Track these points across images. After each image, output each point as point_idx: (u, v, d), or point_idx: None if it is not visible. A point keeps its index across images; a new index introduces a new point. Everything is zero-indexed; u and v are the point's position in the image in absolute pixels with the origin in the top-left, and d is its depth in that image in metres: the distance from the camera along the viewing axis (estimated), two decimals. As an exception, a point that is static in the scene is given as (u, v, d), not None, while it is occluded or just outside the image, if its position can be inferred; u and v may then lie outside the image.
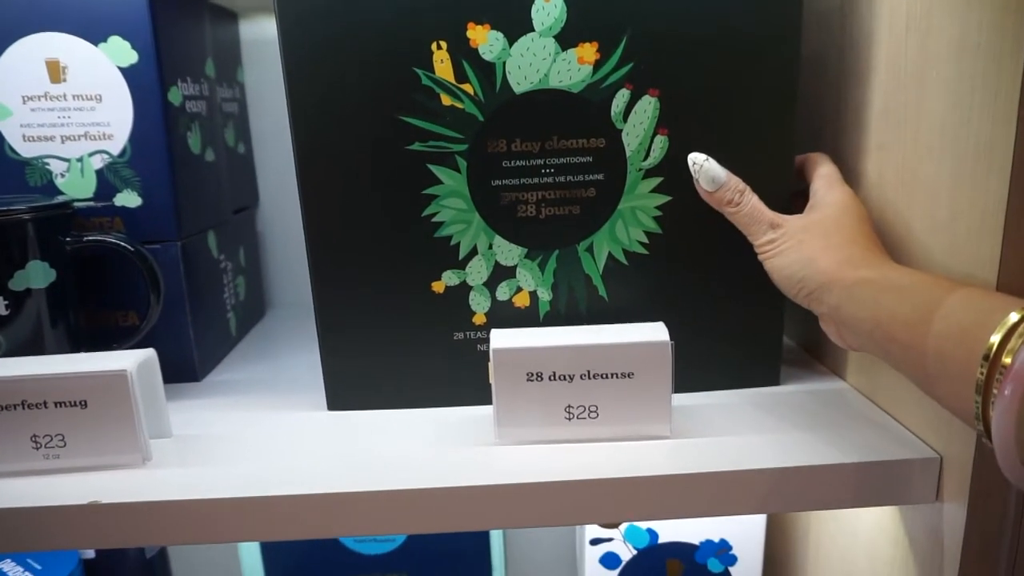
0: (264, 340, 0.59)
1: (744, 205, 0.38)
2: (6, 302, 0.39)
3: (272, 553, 0.61)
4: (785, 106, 0.39)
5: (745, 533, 0.52)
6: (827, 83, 0.46)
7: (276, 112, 0.64)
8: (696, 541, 0.52)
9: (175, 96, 0.46)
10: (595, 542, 0.53)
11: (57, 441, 0.37)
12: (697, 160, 0.38)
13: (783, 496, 0.36)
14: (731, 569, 0.52)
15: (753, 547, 0.52)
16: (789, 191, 0.40)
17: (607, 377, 0.37)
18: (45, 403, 0.36)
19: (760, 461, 0.36)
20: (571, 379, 0.37)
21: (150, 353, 0.39)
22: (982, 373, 0.25)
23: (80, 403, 0.36)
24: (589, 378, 0.37)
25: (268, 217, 0.66)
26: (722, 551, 0.52)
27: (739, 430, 0.39)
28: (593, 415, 0.38)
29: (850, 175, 0.43)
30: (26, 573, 0.49)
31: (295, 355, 0.54)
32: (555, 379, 0.37)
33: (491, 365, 0.37)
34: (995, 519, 0.33)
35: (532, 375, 0.37)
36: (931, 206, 0.35)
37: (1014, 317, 0.25)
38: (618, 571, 0.53)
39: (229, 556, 0.65)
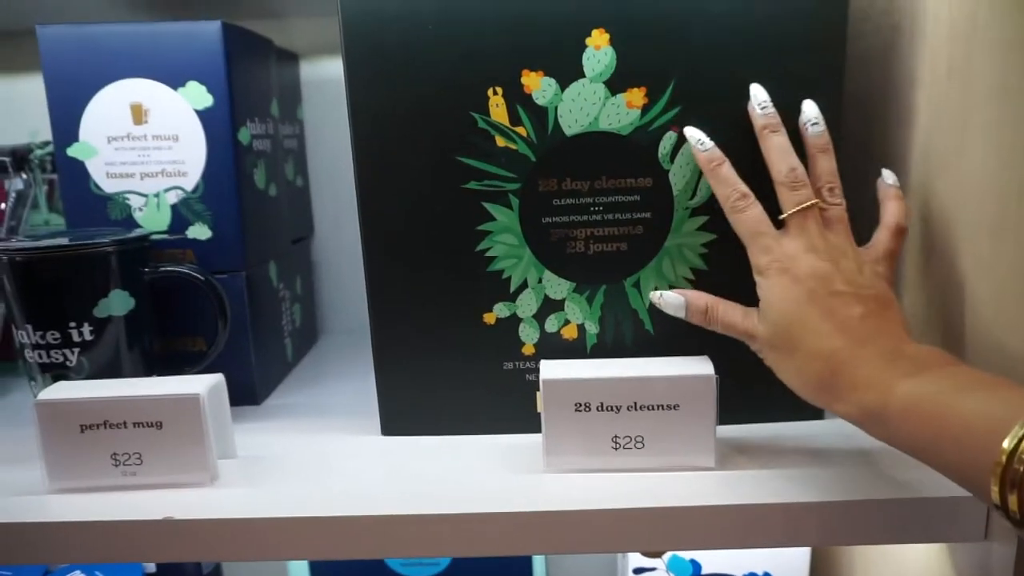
0: (318, 366, 0.61)
1: (715, 324, 0.39)
2: (90, 328, 0.42)
3: (320, 570, 0.63)
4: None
5: (789, 567, 0.52)
6: (871, 124, 0.47)
7: (332, 147, 0.67)
8: (740, 574, 0.52)
9: (244, 136, 0.49)
10: (638, 571, 0.53)
11: (135, 459, 0.39)
12: (653, 298, 0.40)
13: (827, 530, 0.37)
14: (774, 602, 0.53)
15: (797, 581, 0.52)
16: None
17: (653, 409, 0.38)
18: (125, 423, 0.39)
19: (804, 495, 0.36)
20: (618, 410, 0.38)
21: (219, 378, 0.41)
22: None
23: (156, 424, 0.39)
24: (635, 409, 0.38)
25: (322, 247, 0.69)
26: (766, 584, 0.52)
27: (783, 463, 0.39)
28: (639, 445, 0.39)
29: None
30: (94, 584, 0.51)
31: (348, 381, 0.56)
32: (602, 410, 0.38)
33: (540, 395, 0.39)
34: (1044, 558, 0.34)
35: (580, 405, 0.38)
36: (975, 248, 0.36)
37: None
38: (661, 601, 0.53)
39: (278, 572, 0.67)
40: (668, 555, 0.52)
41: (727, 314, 0.39)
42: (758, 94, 0.38)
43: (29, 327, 0.41)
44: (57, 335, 0.42)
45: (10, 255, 0.41)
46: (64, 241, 0.42)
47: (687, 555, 0.52)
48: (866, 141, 0.47)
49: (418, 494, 0.38)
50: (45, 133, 0.65)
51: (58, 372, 0.42)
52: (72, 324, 0.42)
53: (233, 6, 0.63)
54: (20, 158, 0.59)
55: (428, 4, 0.39)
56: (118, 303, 0.43)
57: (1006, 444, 0.25)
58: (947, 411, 0.28)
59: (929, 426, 0.28)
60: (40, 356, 0.42)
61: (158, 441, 0.39)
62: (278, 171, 0.57)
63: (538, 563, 0.62)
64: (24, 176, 0.59)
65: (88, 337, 0.42)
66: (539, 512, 0.36)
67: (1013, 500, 0.24)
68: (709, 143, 0.38)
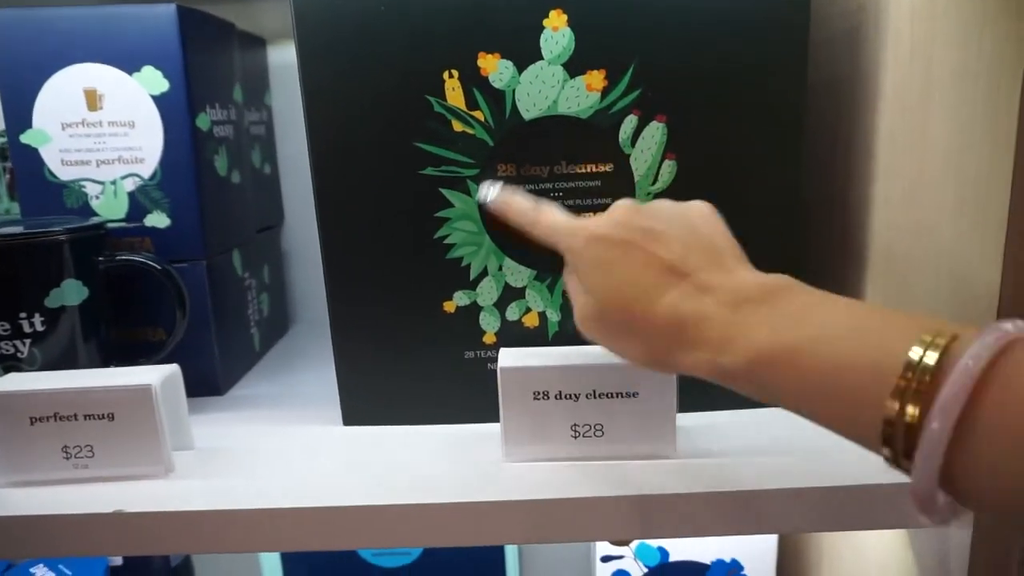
0: (287, 355, 0.60)
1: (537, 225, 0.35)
2: (42, 319, 0.41)
3: (292, 564, 0.63)
4: (793, 131, 0.40)
5: (757, 554, 0.52)
6: (838, 108, 0.46)
7: (302, 134, 0.66)
8: (707, 561, 0.52)
9: (203, 122, 0.48)
10: (606, 559, 0.53)
11: (86, 452, 0.39)
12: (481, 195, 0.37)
13: (788, 517, 0.36)
14: (742, 590, 0.53)
15: (765, 568, 0.52)
16: (800, 215, 0.41)
17: (612, 397, 0.38)
18: (76, 415, 0.38)
19: (765, 482, 0.36)
20: (576, 398, 0.38)
21: (174, 368, 0.40)
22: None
23: (108, 416, 0.38)
24: (594, 397, 0.38)
25: (292, 235, 0.68)
26: (733, 571, 0.52)
27: (744, 450, 0.39)
28: (599, 433, 0.38)
29: (861, 197, 0.44)
30: (56, 578, 0.51)
31: (316, 370, 0.55)
32: (561, 398, 0.38)
33: (499, 384, 0.38)
34: (1000, 543, 0.33)
35: (538, 394, 0.38)
36: (937, 229, 0.36)
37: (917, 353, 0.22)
38: (629, 589, 0.53)
39: (250, 565, 0.67)
40: (636, 543, 0.52)
41: (552, 214, 0.34)
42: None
43: (-21, 318, 0.41)
44: (7, 326, 0.41)
45: (-44, 245, 0.40)
46: (15, 230, 0.41)
47: (655, 543, 0.52)
48: (834, 125, 0.47)
49: (376, 484, 0.38)
50: (3, 122, 0.64)
51: (9, 364, 0.41)
52: (23, 315, 0.41)
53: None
54: (-21, 146, 0.58)
55: (382, -15, 0.38)
56: (71, 293, 0.42)
57: (912, 355, 0.22)
58: (825, 363, 0.25)
59: (808, 380, 0.25)
60: (-10, 347, 0.41)
61: (110, 433, 0.38)
62: (242, 158, 0.56)
63: (511, 552, 0.62)
64: (-18, 164, 0.57)
65: (40, 328, 0.41)
66: (498, 502, 0.36)
67: (912, 411, 0.22)
68: (495, 193, 0.36)
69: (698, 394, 0.41)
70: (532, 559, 0.68)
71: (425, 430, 0.43)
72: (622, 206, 0.32)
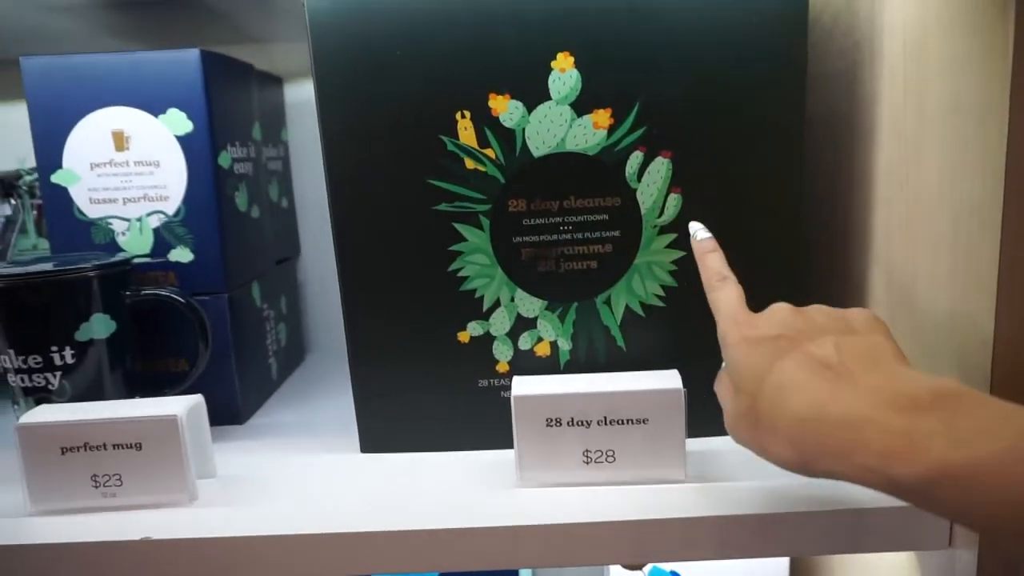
0: (304, 384, 0.62)
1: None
2: (72, 352, 0.43)
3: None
4: (794, 163, 0.41)
5: (767, 577, 0.52)
6: (837, 142, 0.48)
7: (317, 168, 0.68)
8: (719, 585, 0.53)
9: (224, 160, 0.50)
10: (619, 584, 0.54)
11: (115, 480, 0.40)
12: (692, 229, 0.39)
13: (796, 540, 0.37)
14: (754, 614, 0.53)
15: (776, 593, 0.52)
16: (801, 246, 0.42)
17: (623, 423, 0.39)
18: (104, 445, 0.39)
19: (774, 506, 0.37)
20: (588, 424, 0.39)
21: (198, 399, 0.42)
22: None
23: (135, 445, 0.39)
24: (606, 424, 0.39)
25: (308, 266, 0.70)
26: (745, 596, 0.53)
27: (754, 475, 0.40)
28: (610, 459, 0.39)
29: (860, 229, 0.45)
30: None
31: (332, 398, 0.57)
32: (573, 424, 0.39)
33: (513, 411, 0.39)
34: (1005, 567, 0.34)
35: (551, 420, 0.39)
36: (933, 260, 0.37)
37: None
38: (642, 613, 0.54)
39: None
40: (649, 566, 0.53)
41: (726, 292, 0.35)
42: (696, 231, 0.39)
43: (12, 352, 0.42)
44: (39, 359, 0.42)
45: (-10, 281, 0.42)
46: (46, 267, 0.43)
47: (667, 566, 0.53)
48: (833, 159, 0.48)
49: (394, 510, 0.39)
50: (33, 159, 0.66)
51: (40, 395, 0.43)
52: (54, 348, 0.43)
53: (215, 33, 0.64)
54: (8, 184, 0.60)
55: (396, 29, 0.40)
56: (100, 326, 0.44)
57: None
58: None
59: (1005, 498, 0.23)
60: (23, 380, 0.43)
61: (137, 462, 0.40)
62: (261, 193, 0.58)
63: (524, 574, 0.62)
64: (12, 202, 0.60)
65: (70, 360, 0.43)
66: (512, 527, 0.37)
67: None
68: (705, 234, 0.38)
69: (707, 420, 0.42)
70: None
71: (440, 457, 0.44)
72: (779, 308, 0.32)
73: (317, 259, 0.70)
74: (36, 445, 0.39)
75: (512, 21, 0.39)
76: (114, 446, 0.40)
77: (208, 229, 0.49)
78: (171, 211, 0.49)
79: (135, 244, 0.49)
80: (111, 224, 0.49)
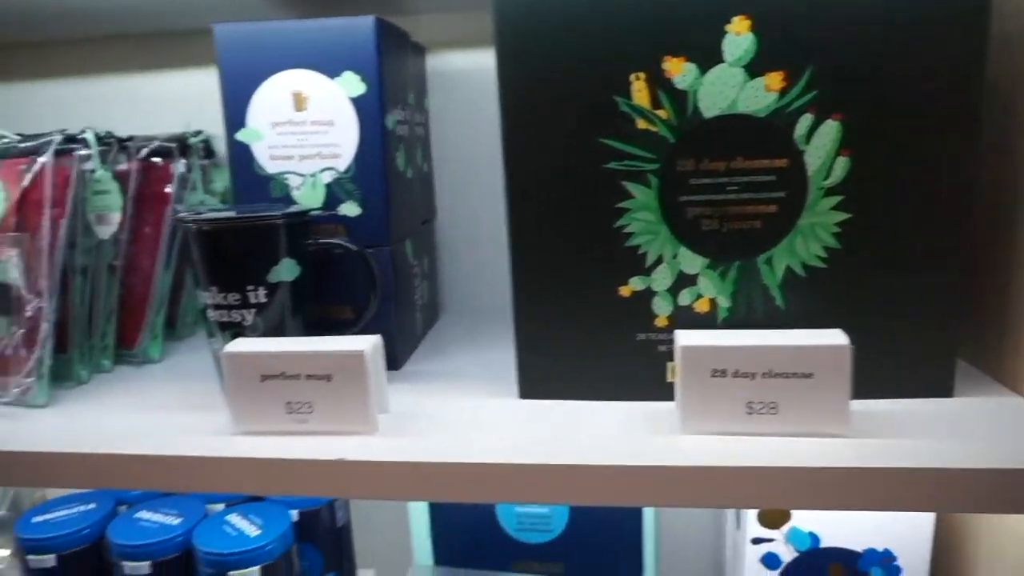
0: (443, 339, 0.65)
1: None
2: (265, 291, 0.47)
3: (440, 534, 0.67)
4: (970, 128, 0.41)
5: (912, 544, 0.52)
6: (1014, 109, 0.47)
7: (451, 136, 0.71)
8: (860, 549, 0.54)
9: (390, 121, 0.54)
10: (756, 541, 0.55)
11: (306, 408, 0.44)
12: None
13: (959, 497, 0.38)
14: (893, 579, 0.54)
15: (919, 559, 0.52)
16: (975, 211, 0.42)
17: (787, 376, 0.40)
18: (299, 375, 0.43)
19: (935, 461, 0.38)
20: (753, 376, 0.41)
21: (378, 339, 0.45)
22: None
23: (326, 377, 0.43)
24: (770, 376, 0.40)
25: (442, 229, 0.73)
26: (887, 560, 0.53)
27: (914, 433, 0.41)
28: (773, 411, 0.41)
29: (1029, 195, 0.44)
30: (251, 525, 0.57)
31: (474, 353, 0.60)
32: (738, 376, 0.41)
33: (678, 361, 0.41)
34: None
35: (717, 371, 0.41)
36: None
37: None
38: (779, 571, 0.55)
39: (402, 534, 0.72)
40: (788, 527, 0.54)
41: None
42: None
43: (214, 289, 0.47)
44: (238, 296, 0.47)
45: (199, 225, 0.46)
46: (245, 213, 0.47)
47: (807, 527, 0.54)
48: (1007, 127, 0.48)
49: (560, 445, 0.41)
50: (196, 124, 0.72)
51: (236, 330, 0.47)
52: (250, 287, 0.47)
53: (367, 2, 0.67)
54: (184, 145, 0.65)
55: (578, 0, 0.42)
56: (287, 270, 0.48)
57: None
58: None
59: None
60: (221, 315, 0.47)
61: (327, 392, 0.43)
62: (413, 156, 0.61)
63: (648, 534, 0.64)
64: (185, 161, 0.65)
65: (262, 299, 0.47)
66: (678, 467, 0.39)
67: None
68: None
69: (865, 382, 0.43)
70: (668, 540, 0.71)
71: (596, 405, 0.47)
72: None
73: (450, 224, 0.73)
74: (240, 372, 0.44)
75: (692, -15, 0.41)
76: (307, 376, 0.43)
77: (375, 186, 0.53)
78: (342, 168, 0.53)
79: (309, 198, 0.53)
80: (287, 179, 0.54)
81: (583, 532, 0.65)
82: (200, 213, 0.48)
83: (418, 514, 0.68)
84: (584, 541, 0.65)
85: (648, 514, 0.64)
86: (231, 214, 0.48)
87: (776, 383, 0.40)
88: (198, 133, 0.70)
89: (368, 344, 0.44)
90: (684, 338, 0.41)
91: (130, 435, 0.46)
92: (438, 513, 0.67)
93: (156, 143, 0.63)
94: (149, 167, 0.62)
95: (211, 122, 0.70)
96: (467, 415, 0.47)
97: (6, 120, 0.80)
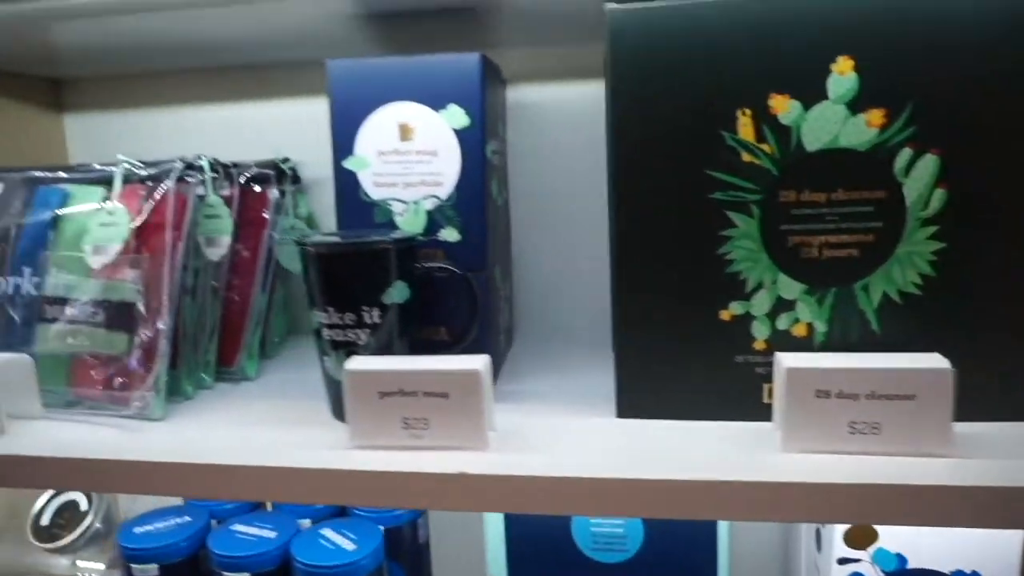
0: (522, 362, 0.67)
1: None
2: (379, 312, 0.50)
3: (516, 552, 0.69)
4: (1060, 164, 0.43)
5: (1000, 568, 0.53)
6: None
7: (524, 166, 0.74)
8: (947, 571, 0.55)
9: (488, 151, 0.57)
10: (843, 561, 0.56)
11: (422, 423, 0.46)
12: None
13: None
14: (980, 601, 0.54)
15: (1005, 580, 0.54)
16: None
17: (890, 398, 0.42)
18: (416, 392, 0.46)
19: (1042, 483, 0.39)
20: (856, 398, 0.42)
21: (487, 359, 0.48)
22: None
23: (443, 394, 0.46)
24: (874, 398, 0.42)
25: (515, 257, 0.76)
26: (973, 581, 0.54)
27: (1014, 454, 0.42)
28: (876, 431, 0.42)
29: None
30: (346, 540, 0.59)
31: (557, 374, 0.62)
32: (841, 397, 0.42)
33: (782, 382, 0.43)
34: None
35: (821, 392, 0.43)
36: None
37: None
38: (865, 591, 0.56)
39: (475, 553, 0.73)
40: (874, 547, 0.55)
41: None
42: None
43: (331, 309, 0.49)
44: (353, 316, 0.49)
45: (318, 248, 0.49)
46: (350, 238, 0.50)
47: (894, 548, 0.55)
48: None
49: (662, 461, 0.43)
50: (285, 151, 0.75)
51: (349, 349, 0.50)
52: (365, 308, 0.49)
53: (448, 39, 0.71)
54: (281, 171, 0.69)
55: (688, 37, 0.44)
56: (399, 292, 0.50)
57: None
58: None
59: None
60: (336, 335, 0.50)
61: (443, 409, 0.46)
62: (502, 184, 0.64)
63: (722, 556, 0.65)
64: (280, 187, 0.68)
65: (376, 320, 0.50)
66: (779, 483, 0.41)
67: None
68: None
69: (970, 403, 0.45)
70: (741, 564, 0.72)
71: (693, 424, 0.49)
72: None
73: (524, 250, 0.76)
74: (360, 388, 0.46)
75: (797, 27, 0.43)
76: (424, 393, 0.46)
77: (475, 212, 0.56)
78: (444, 195, 0.56)
79: (411, 223, 0.56)
80: (391, 205, 0.56)
81: (658, 552, 0.66)
82: (318, 236, 0.51)
83: (494, 533, 0.69)
84: (659, 561, 0.66)
85: (723, 535, 0.65)
86: (338, 239, 0.51)
87: (879, 404, 0.42)
88: (286, 160, 0.73)
89: (482, 363, 0.46)
90: (789, 360, 0.43)
91: (251, 448, 0.48)
92: (514, 532, 0.69)
93: (254, 169, 0.67)
94: (247, 192, 0.66)
95: (296, 150, 0.74)
96: (570, 433, 0.49)
97: (89, 146, 0.85)
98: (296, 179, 0.75)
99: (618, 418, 0.50)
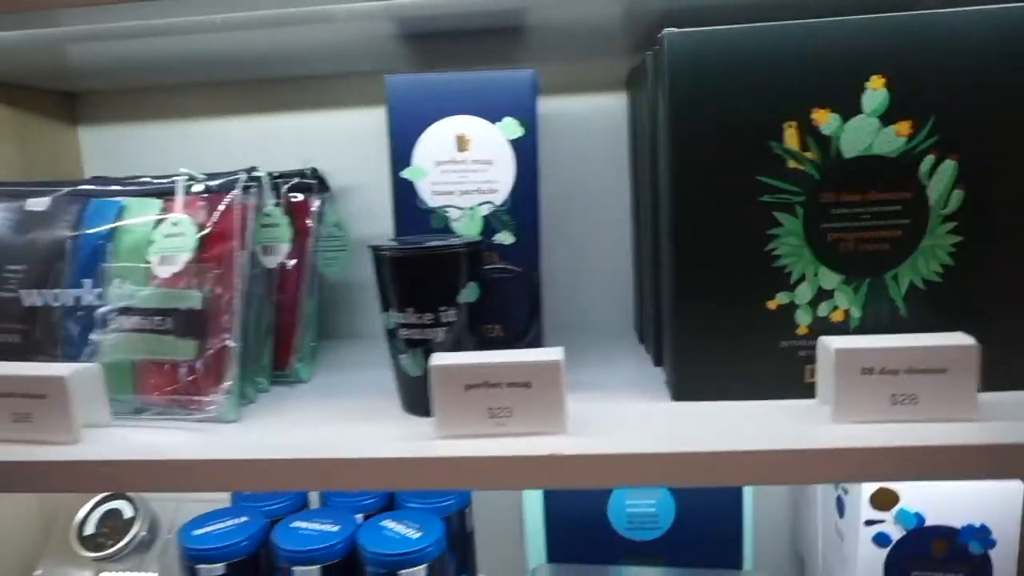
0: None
1: None
2: (454, 311, 0.53)
3: (554, 534, 0.73)
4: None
5: (1004, 520, 0.61)
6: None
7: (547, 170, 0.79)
8: (959, 525, 0.61)
9: (539, 160, 0.61)
10: (869, 523, 0.63)
11: (505, 412, 0.50)
12: None
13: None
14: (990, 552, 0.62)
15: (1011, 533, 0.61)
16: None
17: (924, 372, 0.48)
18: (501, 383, 0.50)
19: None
20: (896, 373, 0.48)
21: (562, 350, 0.52)
22: None
23: (526, 384, 0.50)
24: (911, 373, 0.48)
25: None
26: (982, 535, 0.61)
27: (1028, 418, 0.49)
28: (914, 401, 0.49)
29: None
30: (409, 529, 0.62)
31: (596, 365, 0.66)
32: (884, 373, 0.48)
33: (829, 361, 0.49)
34: None
35: (866, 369, 0.48)
36: None
37: None
38: (888, 548, 0.62)
39: (510, 540, 0.77)
40: (896, 508, 0.62)
41: None
42: None
43: (410, 309, 0.53)
44: (431, 316, 0.53)
45: (394, 253, 0.52)
46: (437, 242, 0.53)
47: (912, 508, 0.62)
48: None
49: (724, 435, 0.48)
50: (314, 162, 0.77)
51: (427, 347, 0.53)
52: (442, 308, 0.53)
53: (483, 56, 0.75)
54: (323, 181, 0.71)
55: (742, 56, 0.50)
56: (472, 292, 0.54)
57: None
58: None
59: None
60: (413, 333, 0.53)
61: (526, 398, 0.50)
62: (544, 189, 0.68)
63: (748, 534, 0.71)
64: (323, 196, 0.71)
65: (452, 319, 0.53)
66: (842, 449, 0.46)
67: None
68: None
69: (1001, 374, 0.51)
70: (766, 538, 0.78)
71: (744, 404, 0.54)
72: None
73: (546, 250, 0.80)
74: (446, 382, 0.50)
75: (836, 49, 0.49)
76: (508, 384, 0.50)
77: (528, 217, 0.60)
78: (499, 202, 0.60)
79: (467, 228, 0.60)
80: (447, 212, 0.60)
81: (687, 528, 0.71)
82: (394, 241, 0.54)
83: (533, 517, 0.73)
84: (687, 538, 0.72)
85: (747, 508, 0.71)
86: (430, 242, 0.54)
87: (915, 378, 0.48)
88: (314, 170, 0.76)
89: (559, 354, 0.50)
90: (837, 343, 0.49)
91: (343, 442, 0.51)
92: (552, 515, 0.73)
93: (296, 180, 0.69)
94: (290, 202, 0.68)
95: (316, 161, 0.76)
96: (635, 415, 0.53)
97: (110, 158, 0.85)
98: (324, 187, 0.77)
99: (674, 401, 0.55)
